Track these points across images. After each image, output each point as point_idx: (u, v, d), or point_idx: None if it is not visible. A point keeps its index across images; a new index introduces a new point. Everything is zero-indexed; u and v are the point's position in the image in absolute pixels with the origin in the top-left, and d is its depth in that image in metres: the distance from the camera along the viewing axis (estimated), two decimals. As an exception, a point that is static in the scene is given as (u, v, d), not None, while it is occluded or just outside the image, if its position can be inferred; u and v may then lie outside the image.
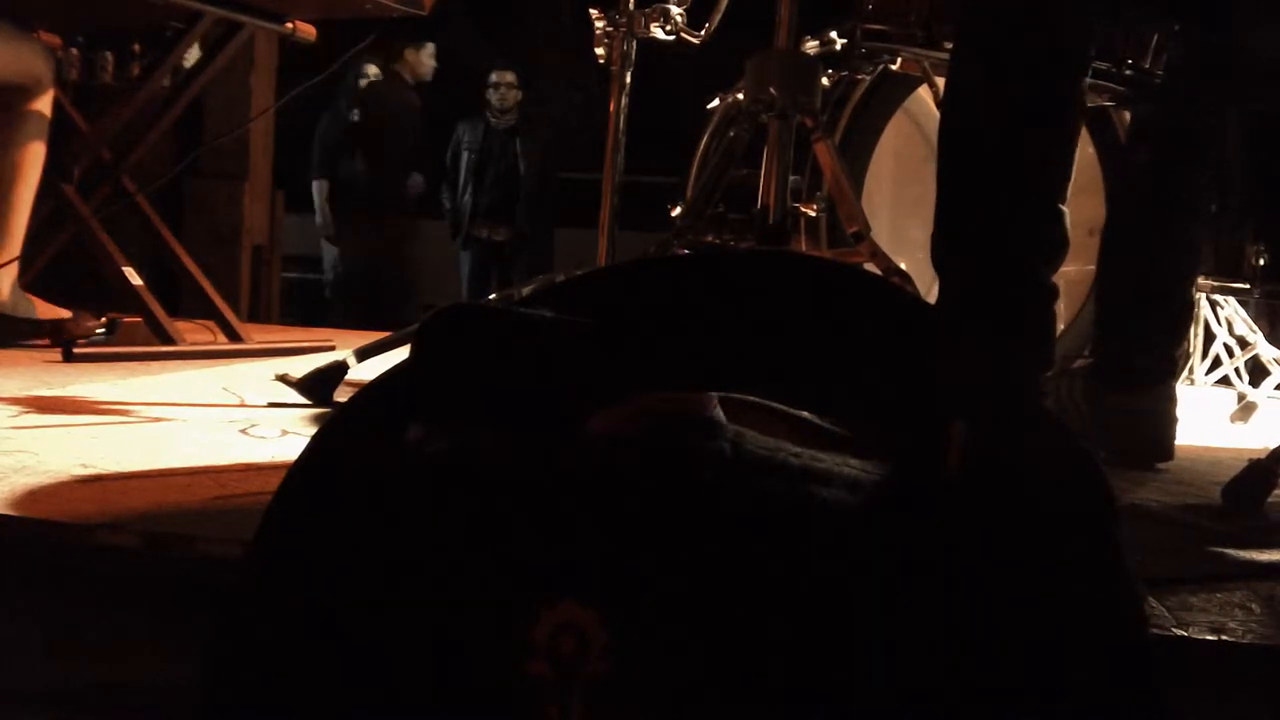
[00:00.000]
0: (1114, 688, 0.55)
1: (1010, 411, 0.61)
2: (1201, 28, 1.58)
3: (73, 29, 3.74)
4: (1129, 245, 1.63)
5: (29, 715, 0.86)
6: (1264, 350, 2.60)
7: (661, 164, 2.99)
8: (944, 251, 1.38)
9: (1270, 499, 1.28)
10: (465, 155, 5.48)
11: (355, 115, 5.30)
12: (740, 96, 1.90)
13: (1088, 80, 1.38)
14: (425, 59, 5.38)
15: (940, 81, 2.03)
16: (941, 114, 1.43)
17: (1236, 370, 2.63)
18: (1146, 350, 1.60)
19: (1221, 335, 2.67)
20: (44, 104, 2.11)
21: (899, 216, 2.66)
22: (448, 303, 0.62)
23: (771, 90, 1.69)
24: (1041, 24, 1.33)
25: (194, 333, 2.39)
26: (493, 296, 1.87)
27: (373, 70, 5.34)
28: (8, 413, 1.40)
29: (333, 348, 2.32)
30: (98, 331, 2.18)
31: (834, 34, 2.05)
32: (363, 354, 1.68)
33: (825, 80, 2.23)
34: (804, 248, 2.13)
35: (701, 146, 2.53)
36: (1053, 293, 1.36)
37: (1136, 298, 1.61)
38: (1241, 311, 2.64)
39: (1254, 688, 0.79)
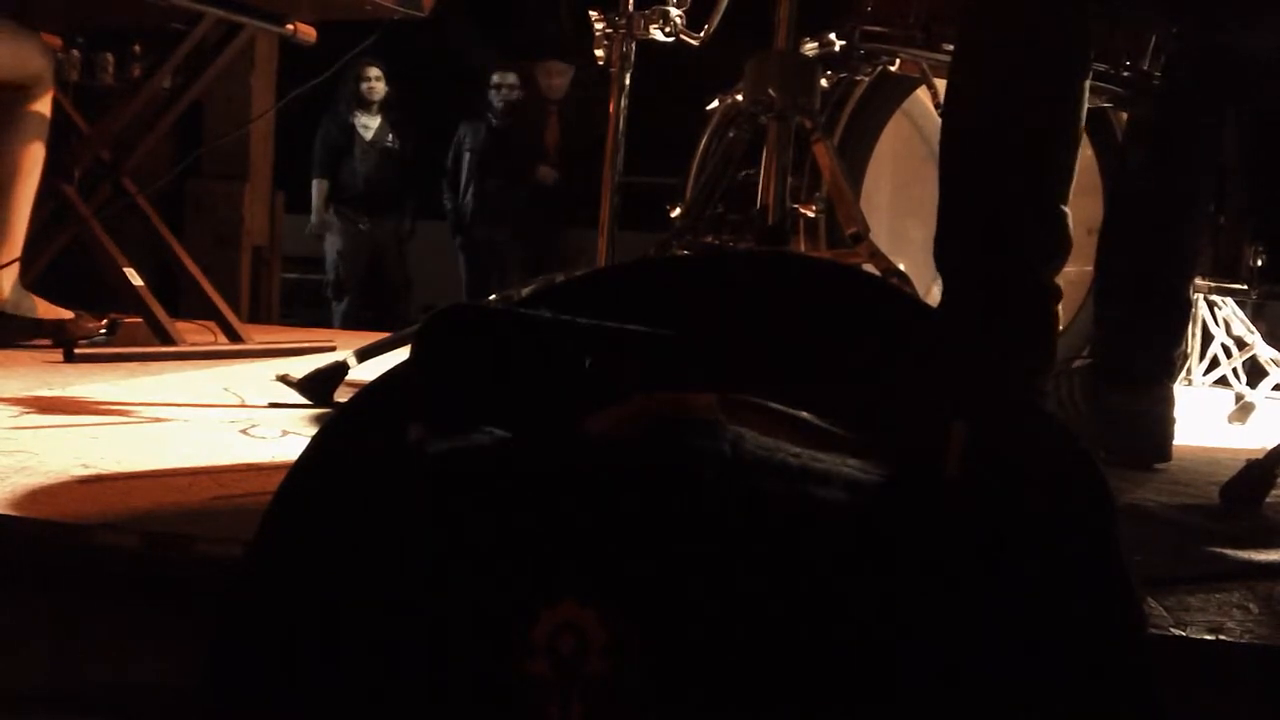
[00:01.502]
0: (1112, 687, 0.55)
1: (1009, 412, 0.61)
2: (1200, 28, 1.58)
3: (74, 30, 3.75)
4: (1127, 246, 1.63)
5: (29, 715, 0.86)
6: (1262, 351, 2.60)
7: (654, 165, 2.99)
8: (947, 253, 1.38)
9: (1268, 499, 1.28)
10: (467, 156, 5.49)
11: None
12: (739, 98, 1.91)
13: (1088, 81, 1.38)
14: (542, 77, 5.29)
15: (939, 83, 2.03)
16: (943, 116, 1.43)
17: (1234, 371, 2.63)
18: (1145, 350, 1.60)
19: (1219, 336, 2.67)
20: (44, 104, 2.11)
21: (898, 217, 2.66)
22: (448, 303, 0.62)
23: (770, 91, 1.69)
24: (1042, 25, 1.33)
25: (194, 333, 2.39)
26: (493, 296, 1.87)
27: (374, 73, 5.35)
28: (9, 413, 1.40)
29: (333, 348, 2.32)
30: (99, 332, 2.18)
31: (833, 35, 2.05)
32: (363, 354, 1.68)
33: (824, 81, 2.23)
34: (803, 249, 2.13)
35: (701, 147, 2.53)
36: (1055, 294, 1.36)
37: (1135, 298, 1.62)
38: (1239, 312, 2.64)
39: (1252, 687, 0.80)
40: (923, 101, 2.48)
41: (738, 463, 0.53)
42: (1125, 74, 1.88)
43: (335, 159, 5.41)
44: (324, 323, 5.37)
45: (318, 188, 5.43)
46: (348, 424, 0.65)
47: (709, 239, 1.91)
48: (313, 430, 0.67)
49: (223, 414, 1.51)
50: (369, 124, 5.45)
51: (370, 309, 5.55)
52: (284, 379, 1.67)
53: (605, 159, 1.89)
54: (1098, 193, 2.29)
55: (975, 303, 1.34)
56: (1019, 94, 1.33)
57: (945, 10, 1.89)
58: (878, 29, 1.95)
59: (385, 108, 5.47)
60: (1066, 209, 1.35)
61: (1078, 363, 1.69)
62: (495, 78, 5.49)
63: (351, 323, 5.38)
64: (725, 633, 0.51)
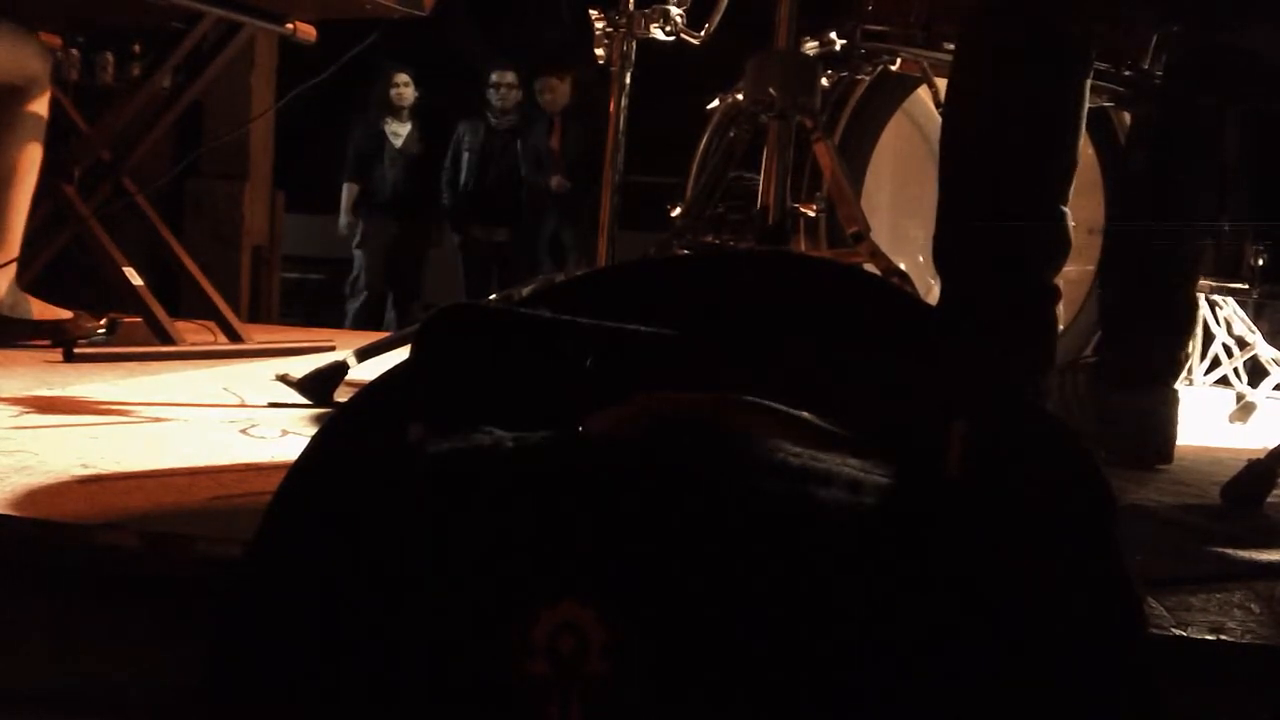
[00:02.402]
0: (1113, 688, 0.55)
1: (1010, 411, 0.61)
2: (1201, 28, 1.58)
3: (73, 29, 3.74)
4: (1129, 245, 1.63)
5: (29, 715, 0.86)
6: (1263, 350, 2.61)
7: (653, 165, 2.98)
8: (946, 252, 1.38)
9: (1269, 499, 1.28)
10: (466, 156, 5.50)
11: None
12: (740, 97, 1.90)
13: (1089, 82, 1.38)
14: (539, 93, 5.32)
15: (940, 82, 2.03)
16: (944, 115, 1.43)
17: (1235, 370, 2.63)
18: (1147, 350, 1.60)
19: (1220, 335, 2.67)
20: (41, 105, 2.11)
21: (898, 217, 2.66)
22: (448, 303, 0.62)
23: (771, 91, 1.69)
24: (1044, 26, 1.33)
25: (194, 333, 2.39)
26: (493, 296, 1.87)
27: (403, 79, 5.40)
28: (8, 413, 1.40)
29: (333, 348, 2.32)
30: (98, 332, 2.18)
31: (834, 34, 2.05)
32: (363, 354, 1.68)
33: (825, 81, 2.23)
34: (803, 248, 2.13)
35: (701, 147, 2.53)
36: (1054, 294, 1.36)
37: (1137, 298, 1.62)
38: (1240, 312, 2.64)
39: (1253, 688, 0.80)
40: (924, 101, 2.48)
41: (738, 463, 0.53)
42: (1126, 74, 1.88)
43: (365, 164, 5.52)
44: (324, 322, 5.39)
45: (347, 191, 5.56)
46: (347, 424, 0.64)
47: (709, 238, 1.91)
48: (312, 430, 0.67)
49: (222, 414, 1.51)
50: (399, 130, 5.52)
51: (386, 308, 5.61)
52: (283, 379, 1.67)
53: (605, 159, 1.88)
54: (1099, 192, 2.29)
55: (973, 302, 1.34)
56: (1020, 94, 1.32)
57: (946, 9, 1.89)
58: (878, 28, 1.95)
59: (415, 114, 5.51)
60: (1066, 209, 1.35)
61: (1079, 362, 1.69)
62: (494, 76, 5.50)
63: (363, 322, 5.42)
64: (725, 633, 0.51)
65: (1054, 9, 1.34)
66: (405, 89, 5.48)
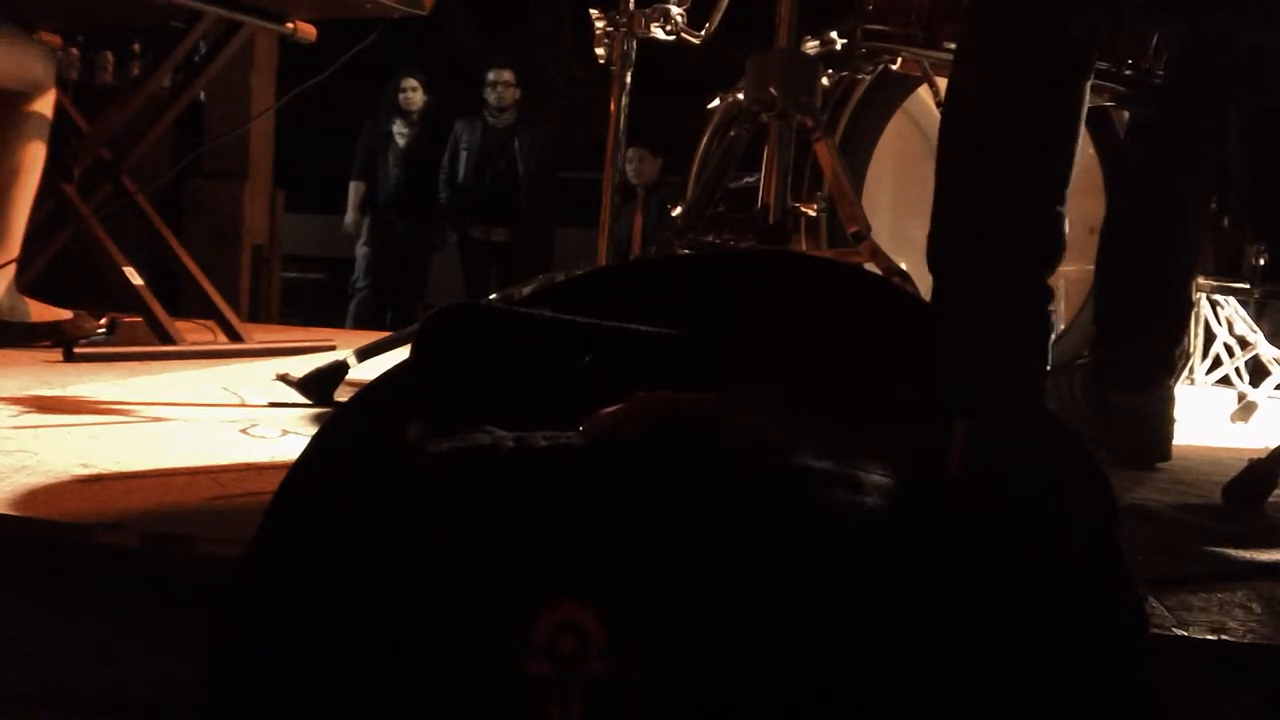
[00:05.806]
0: (1114, 687, 0.55)
1: (1011, 411, 0.61)
2: (1202, 27, 1.57)
3: (73, 29, 3.74)
4: (1128, 245, 1.63)
5: (29, 715, 0.86)
6: (1264, 350, 2.61)
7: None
8: (940, 252, 1.37)
9: (1270, 499, 1.28)
10: (464, 155, 5.50)
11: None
12: (740, 96, 1.90)
13: (1089, 83, 1.38)
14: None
15: (940, 81, 2.03)
16: (942, 114, 1.43)
17: (1237, 370, 2.64)
18: (1145, 349, 1.60)
19: (1222, 335, 2.68)
20: (45, 105, 2.11)
21: (899, 216, 2.66)
22: (448, 303, 0.62)
23: (772, 90, 1.69)
24: (1045, 26, 1.32)
25: (194, 332, 2.38)
26: (493, 296, 1.87)
27: (411, 83, 5.45)
28: (8, 413, 1.40)
29: (333, 347, 2.32)
30: (98, 331, 2.18)
31: (834, 34, 2.05)
32: (363, 354, 1.68)
33: (825, 80, 2.23)
34: (804, 247, 2.12)
35: (702, 147, 2.52)
36: (1049, 294, 1.36)
37: (1135, 297, 1.62)
38: (1242, 311, 2.64)
39: (1254, 687, 0.79)
40: (924, 100, 2.48)
41: (738, 462, 0.53)
42: (1127, 73, 1.88)
43: (372, 164, 5.60)
44: (324, 322, 5.40)
45: (353, 190, 5.66)
46: (348, 423, 0.64)
47: (709, 238, 1.91)
48: (313, 430, 0.67)
49: (223, 414, 1.51)
50: (404, 133, 5.55)
51: (387, 309, 5.63)
52: (284, 378, 1.67)
53: (605, 158, 1.88)
54: (1099, 191, 2.29)
55: (967, 302, 1.33)
56: (1018, 95, 1.32)
57: (946, 8, 1.89)
58: (879, 27, 1.94)
59: (422, 118, 5.55)
60: (1063, 210, 1.34)
61: (1079, 362, 1.69)
62: (491, 75, 5.50)
63: (363, 322, 5.43)
64: (726, 633, 0.50)
65: (1055, 9, 1.33)
66: (414, 94, 5.54)
